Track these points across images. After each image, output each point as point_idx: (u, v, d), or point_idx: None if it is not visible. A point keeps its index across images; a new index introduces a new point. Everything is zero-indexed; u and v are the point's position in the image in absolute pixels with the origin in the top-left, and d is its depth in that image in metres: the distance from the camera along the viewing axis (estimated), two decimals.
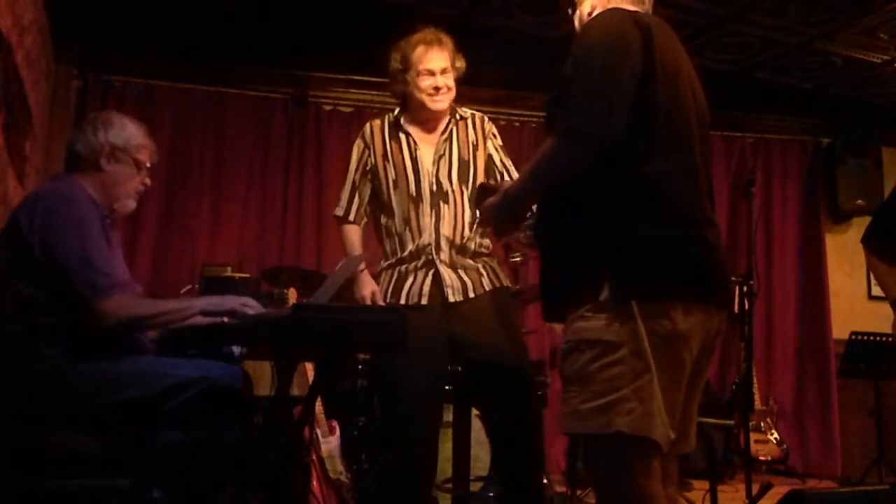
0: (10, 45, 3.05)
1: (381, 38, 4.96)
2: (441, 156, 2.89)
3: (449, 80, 2.87)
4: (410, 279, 2.81)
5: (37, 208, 2.21)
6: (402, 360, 2.60)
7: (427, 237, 2.81)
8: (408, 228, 2.83)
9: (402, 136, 2.92)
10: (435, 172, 2.86)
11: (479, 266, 2.87)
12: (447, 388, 3.73)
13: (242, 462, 2.28)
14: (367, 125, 3.02)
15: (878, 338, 4.86)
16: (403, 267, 2.83)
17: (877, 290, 6.21)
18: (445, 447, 3.53)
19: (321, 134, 5.44)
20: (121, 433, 2.16)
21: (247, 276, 4.19)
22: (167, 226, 5.12)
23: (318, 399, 3.26)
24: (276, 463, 2.56)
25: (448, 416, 3.55)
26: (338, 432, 3.50)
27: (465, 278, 2.83)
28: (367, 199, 2.95)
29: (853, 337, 5.00)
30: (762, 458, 5.25)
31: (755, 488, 3.81)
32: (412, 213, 2.83)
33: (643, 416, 1.67)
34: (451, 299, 2.79)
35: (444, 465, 3.53)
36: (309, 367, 3.37)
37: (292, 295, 3.57)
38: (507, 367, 2.73)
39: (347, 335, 2.04)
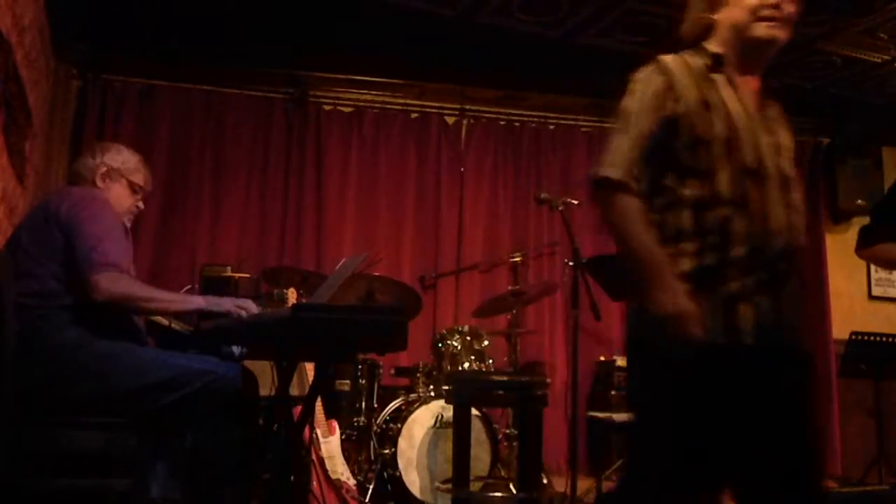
0: (10, 45, 3.05)
1: (381, 38, 5.00)
2: (775, 125, 1.96)
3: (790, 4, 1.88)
4: (744, 306, 1.76)
5: (67, 197, 2.39)
6: None
7: (781, 237, 1.80)
8: (740, 212, 1.79)
9: (721, 82, 1.90)
10: (770, 144, 1.90)
11: None
12: None
13: (243, 462, 2.28)
14: (668, 58, 1.90)
15: (878, 338, 4.86)
16: (732, 283, 1.76)
17: (877, 290, 6.24)
18: (445, 447, 3.55)
19: (321, 134, 5.44)
20: (122, 423, 2.16)
21: (247, 276, 4.19)
22: (167, 226, 5.12)
23: (318, 399, 3.26)
24: (276, 463, 2.56)
25: (448, 415, 3.56)
26: (338, 432, 3.50)
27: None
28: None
29: (853, 337, 5.00)
30: None
31: None
32: (752, 191, 1.80)
33: None
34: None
35: (445, 466, 3.54)
36: (309, 367, 3.37)
37: (292, 295, 3.56)
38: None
39: (347, 335, 2.04)
